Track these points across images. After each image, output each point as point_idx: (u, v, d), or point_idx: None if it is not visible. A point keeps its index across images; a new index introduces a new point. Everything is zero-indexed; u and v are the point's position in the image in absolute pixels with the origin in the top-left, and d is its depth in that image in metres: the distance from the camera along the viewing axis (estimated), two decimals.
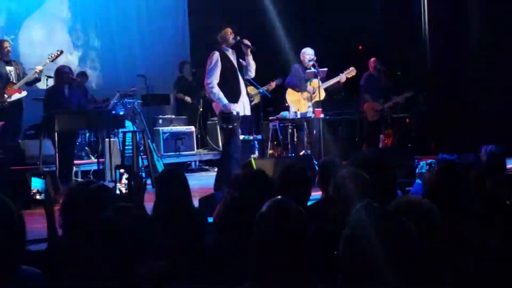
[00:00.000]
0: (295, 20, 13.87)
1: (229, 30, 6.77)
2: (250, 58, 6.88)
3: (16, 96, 8.21)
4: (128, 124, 9.16)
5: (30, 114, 9.02)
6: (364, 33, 13.54)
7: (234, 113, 6.62)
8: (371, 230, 1.44)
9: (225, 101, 6.60)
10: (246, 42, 6.80)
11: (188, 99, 11.09)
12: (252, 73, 7.04)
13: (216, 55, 6.68)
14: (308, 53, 8.79)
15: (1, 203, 2.44)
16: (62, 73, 8.01)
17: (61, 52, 8.26)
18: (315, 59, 8.72)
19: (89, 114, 7.73)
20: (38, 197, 3.36)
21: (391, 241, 1.43)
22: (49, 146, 7.97)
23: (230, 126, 6.62)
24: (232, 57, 6.79)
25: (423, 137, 12.10)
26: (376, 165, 3.17)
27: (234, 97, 6.71)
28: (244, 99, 6.83)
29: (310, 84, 8.80)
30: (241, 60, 6.90)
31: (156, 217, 3.61)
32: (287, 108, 9.01)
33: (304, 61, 8.81)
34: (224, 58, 6.70)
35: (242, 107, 6.80)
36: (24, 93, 8.30)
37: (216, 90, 6.62)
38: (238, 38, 6.80)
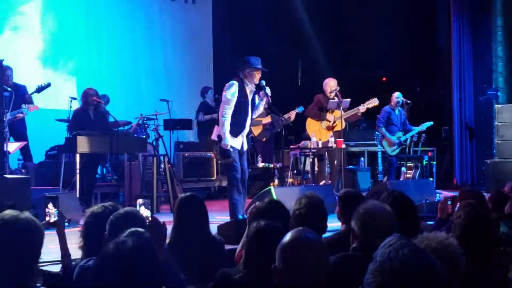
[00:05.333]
0: (319, 49, 13.97)
1: (258, 71, 6.75)
2: (261, 104, 6.89)
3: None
4: (150, 148, 9.20)
5: (52, 135, 9.10)
6: (388, 66, 13.55)
7: (231, 150, 6.62)
8: (400, 265, 1.42)
9: (227, 137, 6.58)
10: (268, 91, 6.75)
11: (215, 115, 11.06)
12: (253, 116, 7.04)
13: (235, 85, 6.63)
14: (330, 84, 8.81)
15: (33, 225, 2.45)
16: (88, 95, 8.07)
17: (49, 84, 8.24)
18: (338, 89, 8.72)
19: (111, 136, 7.76)
20: (50, 219, 3.36)
21: (419, 279, 1.41)
22: (71, 168, 8.02)
23: (228, 160, 6.63)
24: (249, 92, 6.75)
25: (445, 171, 11.99)
26: (401, 201, 3.13)
27: (236, 130, 6.67)
28: (244, 136, 6.79)
29: (331, 114, 8.80)
30: (256, 101, 6.91)
31: (173, 243, 3.58)
32: (308, 137, 8.99)
33: (326, 91, 8.82)
34: (241, 90, 6.67)
35: (240, 143, 6.76)
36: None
37: (227, 123, 6.58)
38: (264, 83, 6.78)
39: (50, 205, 3.39)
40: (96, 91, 8.22)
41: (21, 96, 8.27)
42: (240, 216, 6.48)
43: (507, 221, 2.71)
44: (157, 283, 2.27)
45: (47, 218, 3.39)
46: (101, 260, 2.31)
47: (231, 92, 6.60)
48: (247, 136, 7.01)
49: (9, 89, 7.70)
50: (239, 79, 6.70)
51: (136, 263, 2.23)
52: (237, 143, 6.71)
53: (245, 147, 6.87)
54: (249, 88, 6.73)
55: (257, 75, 6.70)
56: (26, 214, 2.51)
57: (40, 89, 8.14)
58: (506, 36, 11.01)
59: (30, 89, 8.35)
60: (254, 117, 7.15)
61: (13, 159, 8.53)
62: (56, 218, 3.42)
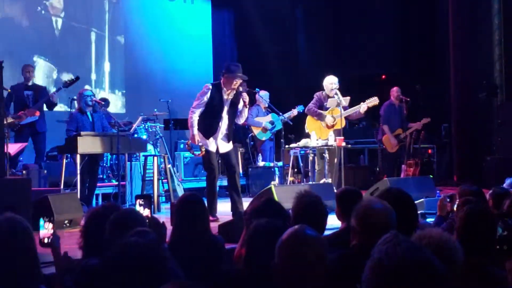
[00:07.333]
0: (318, 48, 13.98)
1: (238, 81, 6.78)
2: (245, 110, 6.99)
3: (28, 119, 8.24)
4: (150, 148, 9.21)
5: (53, 136, 9.11)
6: (387, 63, 13.57)
7: (199, 144, 6.79)
8: (397, 261, 1.43)
9: (193, 132, 6.78)
10: (245, 99, 6.86)
11: None
12: (239, 121, 7.20)
13: (207, 88, 6.80)
14: (331, 81, 8.78)
15: (17, 224, 2.45)
16: (85, 96, 8.07)
17: (77, 78, 8.24)
18: (338, 87, 8.71)
19: (111, 137, 7.77)
20: (46, 240, 3.32)
21: (417, 274, 1.42)
22: (72, 168, 8.04)
23: (200, 154, 6.81)
24: (226, 97, 6.82)
25: (445, 168, 12.00)
26: (399, 197, 3.13)
27: (206, 132, 6.83)
28: (218, 139, 6.87)
29: (331, 112, 8.79)
30: (239, 107, 6.96)
31: (173, 243, 3.59)
32: (307, 135, 8.98)
33: (327, 88, 8.80)
34: (216, 95, 6.78)
35: (215, 146, 6.86)
36: (36, 115, 8.29)
37: (194, 119, 6.79)
38: (241, 90, 6.86)
39: (47, 224, 3.33)
40: (92, 91, 8.22)
41: (42, 97, 8.37)
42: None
43: (505, 220, 2.71)
44: (163, 282, 2.28)
45: (44, 240, 3.31)
46: (108, 259, 2.32)
47: (201, 93, 6.81)
48: (247, 135, 7.06)
49: (8, 90, 7.72)
50: (217, 83, 6.86)
51: (144, 263, 2.24)
52: (211, 145, 6.83)
53: (225, 149, 6.94)
54: (226, 94, 6.81)
55: (235, 83, 6.76)
56: (8, 214, 2.51)
57: (69, 84, 8.19)
58: (504, 34, 11.02)
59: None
60: (241, 122, 7.27)
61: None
62: (50, 240, 3.32)
